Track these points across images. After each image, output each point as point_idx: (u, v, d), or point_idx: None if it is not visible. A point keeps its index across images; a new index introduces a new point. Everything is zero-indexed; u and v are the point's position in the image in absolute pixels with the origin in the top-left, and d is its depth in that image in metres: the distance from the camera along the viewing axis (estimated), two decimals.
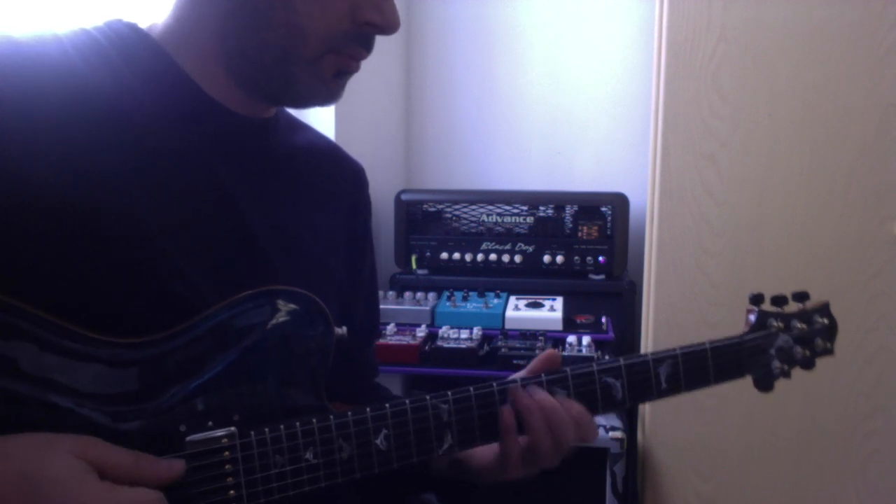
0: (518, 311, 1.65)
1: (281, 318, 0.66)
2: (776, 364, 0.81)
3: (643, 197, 1.65)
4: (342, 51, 0.70)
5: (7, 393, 0.56)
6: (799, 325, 0.82)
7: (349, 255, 0.87)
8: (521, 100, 2.14)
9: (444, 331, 1.61)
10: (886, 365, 1.51)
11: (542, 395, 0.72)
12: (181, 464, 0.60)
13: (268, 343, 0.66)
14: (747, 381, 0.82)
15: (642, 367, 0.75)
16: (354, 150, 0.93)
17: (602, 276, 1.77)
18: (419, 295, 1.72)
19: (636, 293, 1.77)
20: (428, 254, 1.83)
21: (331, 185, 0.85)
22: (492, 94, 2.15)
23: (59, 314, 0.59)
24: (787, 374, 0.81)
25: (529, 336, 1.60)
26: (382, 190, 1.93)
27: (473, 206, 1.84)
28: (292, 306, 0.67)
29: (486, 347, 1.58)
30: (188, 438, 0.61)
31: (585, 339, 1.54)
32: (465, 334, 1.59)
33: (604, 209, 1.78)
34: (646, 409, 1.64)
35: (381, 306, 1.57)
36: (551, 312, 1.64)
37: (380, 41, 0.72)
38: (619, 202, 1.77)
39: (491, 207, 1.84)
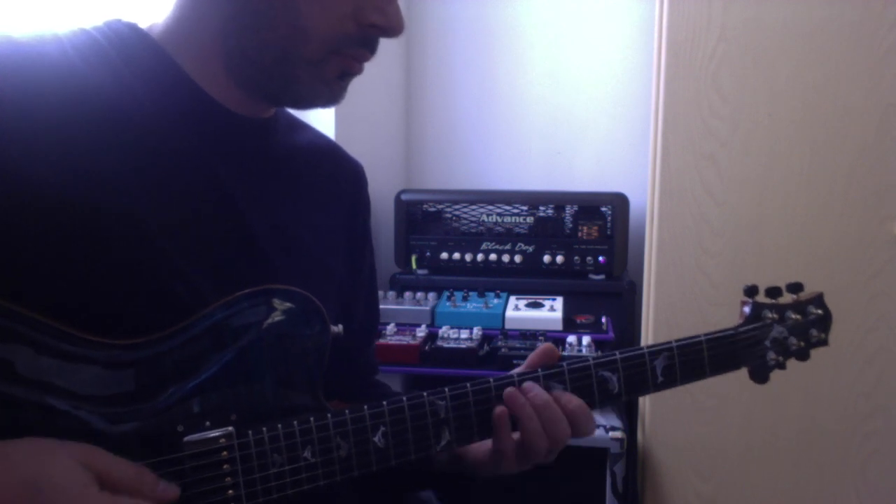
0: (518, 311, 1.65)
1: (277, 317, 0.66)
2: (771, 355, 0.81)
3: (643, 197, 1.65)
4: (345, 52, 0.69)
5: (4, 396, 0.56)
6: (793, 316, 0.82)
7: (349, 255, 0.87)
8: (521, 100, 2.13)
9: (444, 331, 1.61)
10: (886, 365, 1.51)
11: (534, 392, 0.72)
12: (176, 489, 0.60)
13: (264, 342, 0.66)
14: (747, 381, 0.82)
15: (638, 360, 0.76)
16: (354, 150, 0.93)
17: (602, 276, 1.77)
18: (419, 295, 1.72)
19: (636, 293, 1.77)
20: (428, 254, 1.83)
21: (331, 185, 0.85)
22: (492, 94, 2.15)
23: (59, 314, 0.59)
24: (782, 366, 0.81)
25: (529, 336, 1.60)
26: (382, 190, 1.93)
27: (473, 206, 1.84)
28: (288, 305, 0.67)
29: (486, 347, 1.58)
30: (186, 439, 0.62)
31: (585, 340, 1.54)
32: (465, 334, 1.59)
33: (604, 209, 1.78)
34: (646, 409, 1.64)
35: (381, 306, 1.57)
36: (551, 312, 1.64)
37: (380, 41, 0.72)
38: (619, 202, 1.77)
39: (491, 207, 1.84)
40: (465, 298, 1.71)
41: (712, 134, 1.51)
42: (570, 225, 1.80)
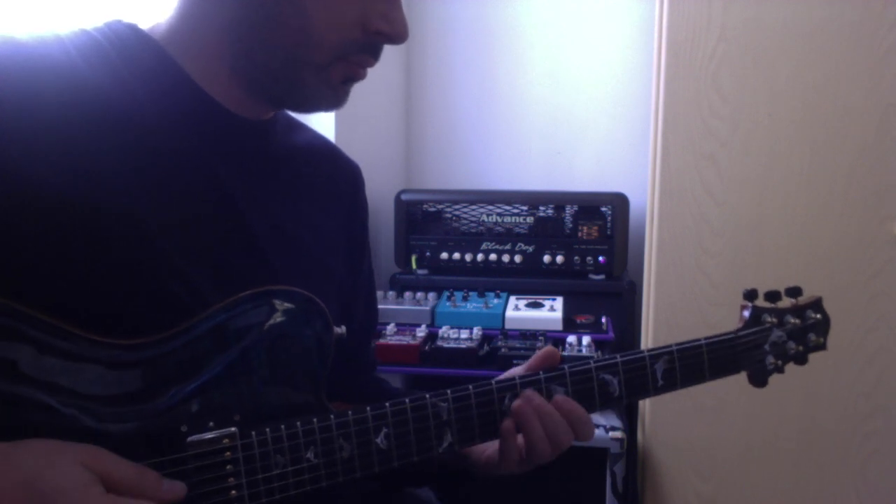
0: (518, 311, 1.65)
1: (280, 318, 0.67)
2: (770, 359, 0.81)
3: (643, 197, 1.65)
4: (351, 58, 0.70)
5: (7, 395, 0.56)
6: (792, 320, 0.83)
7: (348, 256, 0.87)
8: (521, 100, 2.13)
9: (444, 331, 1.61)
10: (886, 365, 1.51)
11: (537, 402, 0.72)
12: (183, 486, 0.60)
13: (267, 343, 0.66)
14: (747, 382, 0.82)
15: (639, 363, 0.76)
16: (354, 150, 0.93)
17: (602, 276, 1.77)
18: (419, 295, 1.72)
19: (636, 293, 1.77)
20: (428, 254, 1.83)
21: (330, 186, 0.86)
22: (492, 94, 2.15)
23: (59, 314, 0.59)
24: (780, 370, 0.82)
25: (529, 336, 1.60)
26: (382, 190, 1.93)
27: (473, 206, 1.84)
28: (291, 306, 0.67)
29: (486, 347, 1.58)
30: (189, 439, 0.62)
31: (585, 340, 1.54)
32: (465, 334, 1.59)
33: (604, 209, 1.78)
34: (646, 409, 1.64)
35: (382, 306, 1.58)
36: (551, 312, 1.64)
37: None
38: (619, 202, 1.77)
39: (491, 207, 1.83)
40: (465, 298, 1.71)
41: (712, 134, 1.51)
42: (570, 225, 1.80)
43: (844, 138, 1.47)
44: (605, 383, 0.75)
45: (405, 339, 1.57)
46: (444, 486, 0.90)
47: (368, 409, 0.68)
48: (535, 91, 2.12)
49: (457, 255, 1.81)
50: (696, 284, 1.54)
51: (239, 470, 0.63)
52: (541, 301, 1.69)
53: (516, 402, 0.72)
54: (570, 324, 1.64)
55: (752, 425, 1.56)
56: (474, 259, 1.80)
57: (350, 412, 0.67)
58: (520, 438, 0.73)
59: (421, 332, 1.61)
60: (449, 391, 0.71)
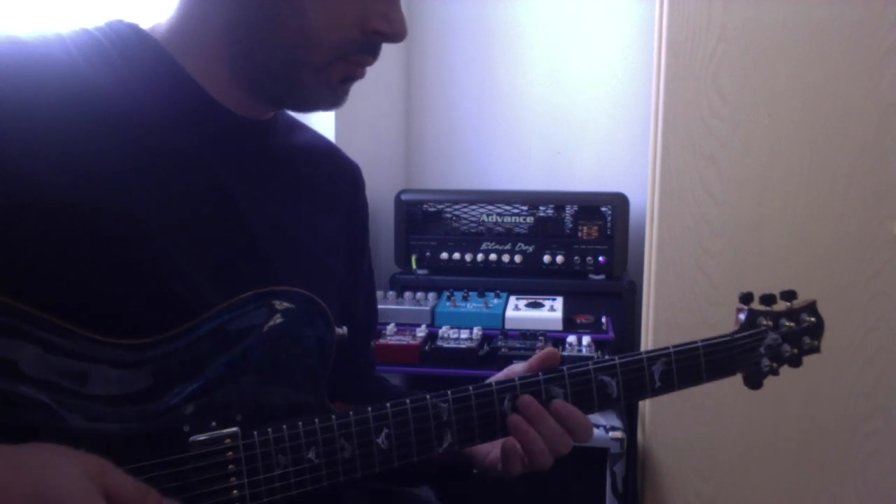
0: (518, 311, 1.65)
1: (281, 318, 0.67)
2: (765, 362, 0.83)
3: (643, 197, 1.65)
4: (350, 58, 0.70)
5: (9, 395, 0.56)
6: (787, 323, 0.84)
7: (349, 256, 0.87)
8: (521, 100, 2.14)
9: (444, 331, 1.61)
10: (886, 365, 1.51)
11: (533, 410, 0.72)
12: None
13: (269, 343, 0.66)
14: (744, 385, 0.83)
15: (637, 365, 0.77)
16: (354, 150, 0.93)
17: (602, 276, 1.77)
18: (419, 295, 1.72)
19: (636, 293, 1.77)
20: (428, 254, 1.83)
21: (330, 186, 0.86)
22: (492, 94, 2.15)
23: (60, 314, 0.59)
24: (775, 372, 0.83)
25: (529, 336, 1.60)
26: (382, 190, 1.93)
27: (473, 206, 1.84)
28: (293, 307, 0.67)
29: (486, 347, 1.58)
30: (191, 439, 0.62)
31: (585, 340, 1.54)
32: (465, 334, 1.59)
33: (604, 209, 1.78)
34: (646, 409, 1.64)
35: (382, 306, 1.58)
36: (551, 312, 1.64)
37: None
38: (619, 202, 1.77)
39: (491, 207, 1.84)
40: (465, 298, 1.71)
41: (712, 134, 1.51)
42: (570, 225, 1.80)
43: (844, 138, 1.47)
44: (604, 385, 0.75)
45: (405, 339, 1.57)
46: (444, 486, 0.90)
47: (370, 409, 0.68)
48: (535, 91, 2.12)
49: (457, 255, 1.81)
50: (696, 284, 1.55)
51: (241, 470, 0.63)
52: (541, 301, 1.69)
53: (513, 417, 0.72)
54: (570, 324, 1.65)
55: (751, 425, 1.56)
56: (474, 259, 1.81)
57: (351, 412, 0.67)
58: (519, 447, 0.74)
59: (421, 332, 1.61)
60: (449, 392, 0.71)
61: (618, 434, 1.48)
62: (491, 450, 0.78)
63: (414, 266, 1.83)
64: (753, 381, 0.82)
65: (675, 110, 1.51)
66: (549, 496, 1.53)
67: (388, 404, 0.69)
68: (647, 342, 1.62)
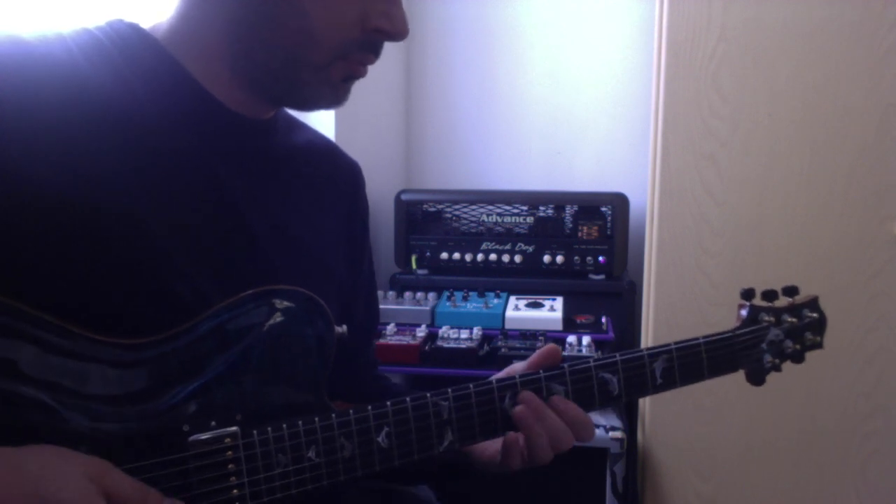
0: (518, 311, 1.65)
1: (281, 317, 0.67)
2: (767, 358, 0.82)
3: (643, 197, 1.65)
4: (351, 57, 0.70)
5: (9, 395, 0.56)
6: (789, 319, 0.83)
7: (349, 255, 0.87)
8: (521, 100, 2.14)
9: (444, 331, 1.61)
10: (886, 365, 1.51)
11: (535, 405, 0.72)
12: None
13: (269, 343, 0.66)
14: (745, 381, 0.82)
15: (638, 362, 0.76)
16: (354, 150, 0.93)
17: (602, 276, 1.77)
18: (419, 295, 1.72)
19: (636, 293, 1.77)
20: (428, 254, 1.83)
21: (330, 185, 0.86)
22: (492, 94, 2.15)
23: (60, 314, 0.59)
24: (777, 368, 0.83)
25: (529, 336, 1.60)
26: (382, 190, 1.93)
27: (473, 206, 1.84)
28: (293, 306, 0.67)
29: (486, 347, 1.58)
30: (191, 438, 0.62)
31: (585, 340, 1.54)
32: (465, 334, 1.59)
33: (604, 209, 1.78)
34: (646, 409, 1.64)
35: (381, 306, 1.57)
36: (551, 312, 1.64)
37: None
38: (619, 202, 1.77)
39: (491, 207, 1.84)
40: (465, 298, 1.71)
41: (712, 134, 1.51)
42: (570, 225, 1.80)
43: (844, 138, 1.47)
44: (605, 382, 0.75)
45: (405, 339, 1.57)
46: (444, 484, 0.90)
47: (370, 408, 0.68)
48: (535, 91, 2.12)
49: (457, 255, 1.81)
50: (696, 284, 1.54)
51: (241, 469, 0.63)
52: (541, 301, 1.69)
53: (518, 408, 0.72)
54: (570, 324, 1.65)
55: (752, 425, 1.56)
56: (474, 259, 1.81)
57: (351, 411, 0.67)
58: (520, 441, 0.73)
59: (421, 332, 1.61)
60: (450, 390, 0.71)
61: (618, 434, 1.48)
62: (490, 444, 0.78)
63: (414, 266, 1.84)
64: (756, 378, 0.82)
65: (675, 110, 1.51)
66: (549, 496, 1.53)
67: (388, 403, 0.68)
68: (647, 342, 1.61)
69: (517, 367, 0.78)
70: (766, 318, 0.82)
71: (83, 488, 0.53)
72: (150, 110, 0.67)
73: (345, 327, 0.71)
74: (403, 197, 1.86)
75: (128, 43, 0.69)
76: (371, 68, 0.74)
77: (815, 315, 0.84)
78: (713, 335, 0.80)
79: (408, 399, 0.69)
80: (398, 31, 0.70)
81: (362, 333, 0.92)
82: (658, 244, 1.56)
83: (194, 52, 0.70)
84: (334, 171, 0.88)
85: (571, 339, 1.55)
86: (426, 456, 0.70)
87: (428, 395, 0.70)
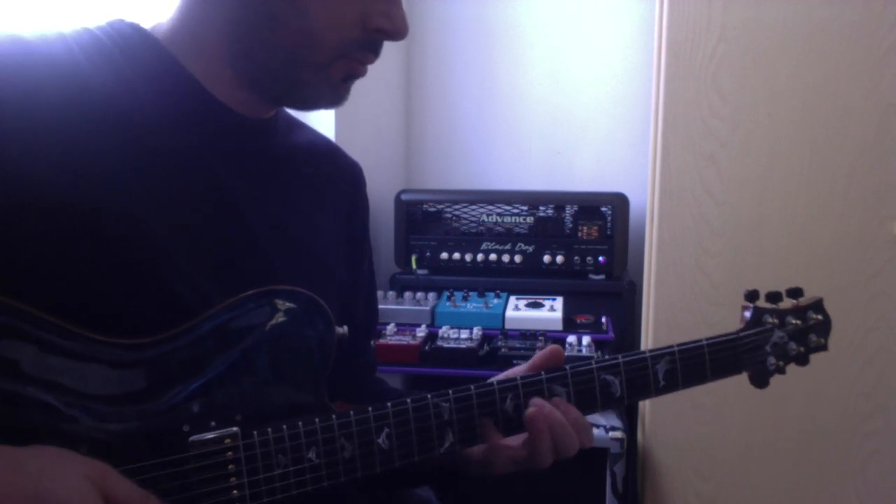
0: (518, 311, 1.65)
1: (282, 318, 0.67)
2: (771, 360, 0.81)
3: (643, 197, 1.65)
4: (351, 56, 0.70)
5: (8, 395, 0.56)
6: (793, 321, 0.82)
7: (349, 255, 0.87)
8: (521, 100, 2.13)
9: (444, 331, 1.61)
10: (886, 365, 1.51)
11: (547, 410, 0.71)
12: None
13: (269, 343, 0.66)
14: (746, 383, 0.82)
15: (640, 363, 0.76)
16: (354, 150, 0.93)
17: (602, 276, 1.77)
18: (419, 295, 1.72)
19: (636, 293, 1.77)
20: (428, 254, 1.83)
21: (330, 185, 0.85)
22: (492, 94, 2.15)
23: (60, 314, 0.59)
24: (781, 371, 0.82)
25: (529, 336, 1.60)
26: (382, 190, 1.93)
27: (473, 206, 1.84)
28: (293, 306, 0.67)
29: (486, 347, 1.58)
30: (191, 439, 0.62)
31: (585, 339, 1.54)
32: (465, 334, 1.59)
33: (604, 209, 1.78)
34: (646, 409, 1.64)
35: (381, 306, 1.58)
36: (551, 312, 1.64)
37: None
38: (619, 202, 1.77)
39: (491, 207, 1.84)
40: (465, 298, 1.71)
41: (712, 134, 1.51)
42: (570, 225, 1.80)
43: (844, 138, 1.47)
44: (607, 384, 0.75)
45: (405, 339, 1.57)
46: (443, 486, 0.90)
47: (370, 408, 0.68)
48: (535, 91, 2.12)
49: (457, 255, 1.81)
50: (696, 284, 1.54)
51: (240, 470, 0.63)
52: (541, 301, 1.69)
53: (531, 410, 0.71)
54: (570, 324, 1.65)
55: (752, 425, 1.56)
56: (474, 259, 1.80)
57: (352, 412, 0.67)
58: (512, 442, 0.73)
59: (421, 332, 1.61)
60: (451, 391, 0.71)
61: (618, 434, 1.48)
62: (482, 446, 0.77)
63: (414, 266, 1.83)
64: (759, 380, 0.81)
65: (675, 110, 1.51)
66: (549, 496, 1.53)
67: (388, 404, 0.68)
68: (647, 342, 1.62)
69: (518, 370, 0.77)
70: (770, 319, 0.82)
71: (83, 489, 0.53)
72: (150, 110, 0.67)
73: (345, 328, 0.71)
74: (403, 197, 1.86)
75: (129, 43, 0.69)
76: (371, 68, 0.74)
77: (819, 317, 0.84)
78: (716, 337, 0.79)
79: (408, 400, 0.69)
80: (398, 31, 0.70)
81: (362, 333, 0.91)
82: (658, 244, 1.56)
83: (195, 51, 0.70)
84: (334, 171, 0.88)
85: (571, 339, 1.55)
86: (427, 457, 0.70)
87: (429, 396, 0.70)
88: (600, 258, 1.76)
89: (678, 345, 0.77)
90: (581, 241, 1.77)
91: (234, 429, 0.63)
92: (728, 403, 1.55)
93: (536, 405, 0.71)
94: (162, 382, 0.62)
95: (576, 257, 1.77)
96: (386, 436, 0.68)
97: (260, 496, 0.63)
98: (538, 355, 0.77)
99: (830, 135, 1.47)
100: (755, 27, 1.47)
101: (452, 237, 1.83)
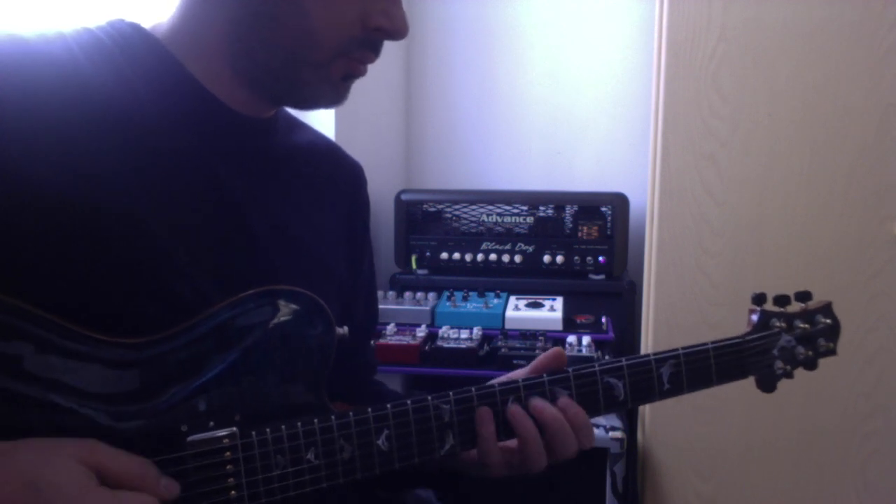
0: (518, 311, 1.65)
1: (282, 317, 0.66)
2: (779, 364, 0.80)
3: (643, 197, 1.65)
4: (351, 55, 0.70)
5: (9, 393, 0.56)
6: (801, 325, 0.81)
7: (349, 255, 0.87)
8: (521, 100, 2.13)
9: (444, 331, 1.61)
10: (886, 365, 1.51)
11: (540, 406, 0.71)
12: (177, 486, 0.60)
13: (269, 343, 0.66)
14: (747, 382, 0.81)
15: (644, 367, 0.75)
16: (354, 150, 0.93)
17: (602, 276, 1.77)
18: (419, 295, 1.72)
19: (636, 293, 1.77)
20: (428, 254, 1.83)
21: (330, 185, 0.85)
22: (492, 94, 2.15)
23: (60, 314, 0.59)
24: (789, 375, 0.81)
25: (529, 336, 1.60)
26: (382, 190, 1.93)
27: (473, 206, 1.84)
28: (293, 306, 0.67)
29: (486, 347, 1.58)
30: (189, 438, 0.61)
31: (585, 339, 1.54)
32: (465, 334, 1.59)
33: (604, 209, 1.78)
34: (646, 409, 1.64)
35: (381, 306, 1.58)
36: (551, 312, 1.64)
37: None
38: (619, 202, 1.77)
39: (491, 207, 1.84)
40: (465, 298, 1.71)
41: (712, 134, 1.51)
42: (570, 225, 1.80)
43: (844, 138, 1.47)
44: (611, 387, 0.74)
45: (405, 339, 1.57)
46: (443, 486, 0.90)
47: (370, 409, 0.67)
48: (535, 91, 2.12)
49: (457, 255, 1.81)
50: (696, 284, 1.54)
51: (239, 470, 0.63)
52: (541, 301, 1.69)
53: (512, 408, 0.71)
54: (570, 324, 1.65)
55: (751, 425, 1.56)
56: (474, 259, 1.80)
57: (351, 413, 0.67)
58: (507, 444, 0.72)
59: (421, 332, 1.61)
60: (451, 393, 0.70)
61: (618, 434, 1.48)
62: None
63: (414, 266, 1.83)
64: (766, 385, 0.80)
65: (675, 110, 1.51)
66: (550, 496, 1.53)
67: (388, 405, 0.68)
68: (647, 342, 1.61)
69: (520, 373, 0.77)
70: (778, 323, 0.80)
71: (72, 470, 0.53)
72: (150, 110, 0.67)
73: (346, 328, 0.70)
74: (403, 197, 1.86)
75: (129, 42, 0.69)
76: (371, 68, 0.74)
77: (828, 321, 0.82)
78: (722, 340, 0.78)
79: (409, 402, 0.69)
80: (398, 30, 0.70)
81: (362, 333, 0.92)
82: (658, 244, 1.56)
83: (195, 51, 0.70)
84: (335, 170, 0.87)
85: (571, 339, 1.55)
86: (427, 459, 0.70)
87: (429, 397, 0.70)
88: (600, 258, 1.76)
89: (683, 348, 0.76)
90: (581, 241, 1.77)
91: (233, 429, 0.63)
92: (728, 404, 1.55)
93: (532, 405, 0.71)
94: (161, 382, 0.62)
95: (576, 257, 1.77)
96: (385, 437, 0.68)
97: (258, 497, 0.63)
98: (540, 357, 0.76)
99: (830, 135, 1.47)
100: (755, 27, 1.47)
101: (452, 237, 1.83)
